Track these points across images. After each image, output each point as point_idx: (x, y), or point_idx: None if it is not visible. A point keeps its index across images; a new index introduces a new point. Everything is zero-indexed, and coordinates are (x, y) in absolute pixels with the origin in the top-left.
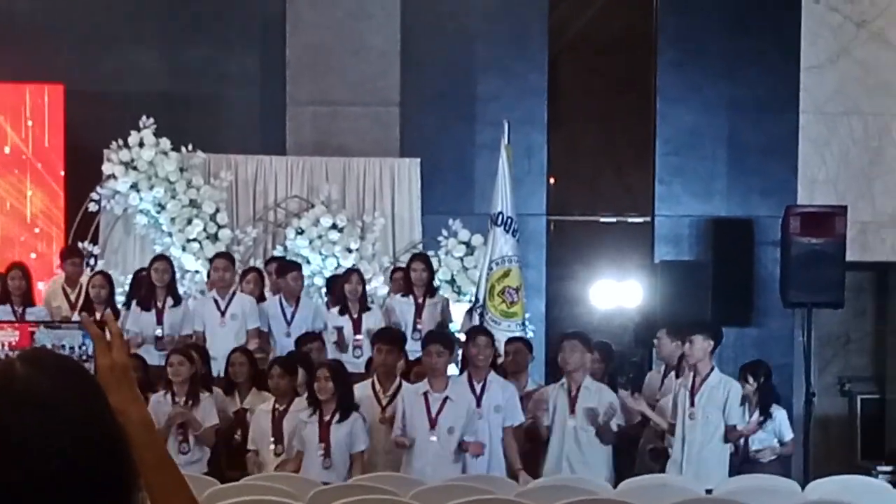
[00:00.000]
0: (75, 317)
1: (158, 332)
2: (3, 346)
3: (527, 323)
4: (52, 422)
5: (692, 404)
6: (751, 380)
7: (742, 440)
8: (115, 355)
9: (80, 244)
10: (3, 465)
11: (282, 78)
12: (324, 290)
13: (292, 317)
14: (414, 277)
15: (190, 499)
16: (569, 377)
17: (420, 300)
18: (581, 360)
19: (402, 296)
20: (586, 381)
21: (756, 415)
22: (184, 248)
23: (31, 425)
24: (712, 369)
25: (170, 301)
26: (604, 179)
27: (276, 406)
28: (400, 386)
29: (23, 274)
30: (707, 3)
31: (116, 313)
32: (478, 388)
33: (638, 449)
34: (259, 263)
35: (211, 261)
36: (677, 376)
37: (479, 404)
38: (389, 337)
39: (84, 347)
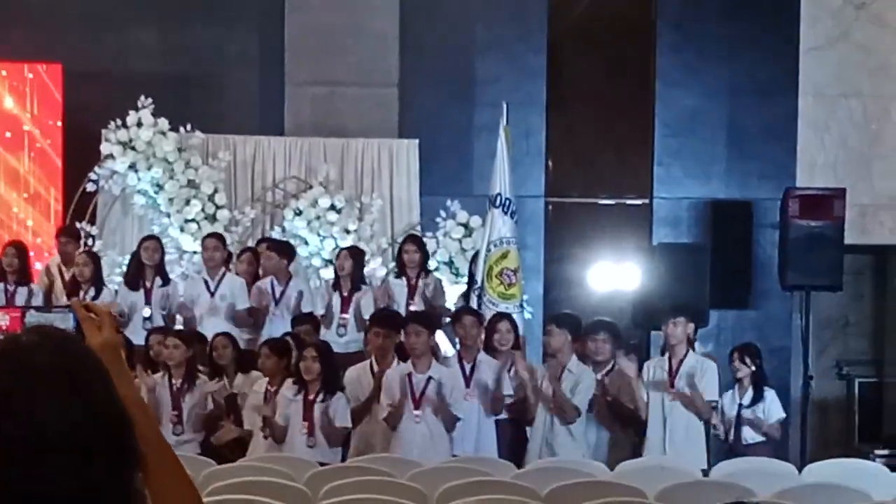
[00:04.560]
0: (64, 299)
1: (146, 311)
2: None
3: (524, 305)
4: (52, 391)
5: (672, 386)
6: (748, 361)
7: (732, 429)
8: (105, 334)
9: (78, 224)
10: (3, 434)
11: (280, 58)
12: (321, 271)
13: (281, 296)
14: (406, 259)
15: (183, 476)
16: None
17: (413, 282)
18: (562, 342)
19: (396, 277)
20: (571, 363)
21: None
22: (182, 229)
23: (31, 393)
24: (688, 351)
25: (158, 281)
26: (602, 161)
27: (269, 388)
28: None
29: (17, 252)
30: None
31: (99, 292)
32: (468, 369)
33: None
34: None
35: (202, 241)
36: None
37: (468, 384)
38: (386, 320)
39: (77, 331)
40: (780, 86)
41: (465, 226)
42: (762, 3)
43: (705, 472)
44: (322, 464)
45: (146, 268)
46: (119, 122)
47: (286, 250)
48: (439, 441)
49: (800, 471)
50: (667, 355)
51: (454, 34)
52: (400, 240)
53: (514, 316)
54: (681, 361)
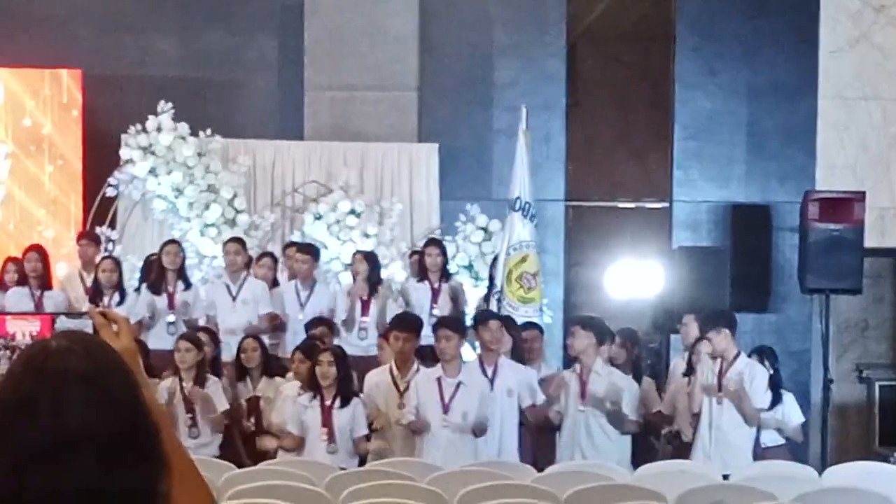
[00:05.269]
0: (87, 305)
1: (170, 316)
2: (24, 335)
3: (544, 309)
4: (78, 394)
5: (720, 389)
6: (766, 364)
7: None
8: (123, 342)
9: (98, 229)
10: (34, 438)
11: (300, 63)
12: (340, 275)
13: (306, 300)
14: (429, 262)
15: (199, 481)
16: (579, 362)
17: (436, 285)
18: (587, 344)
19: (418, 281)
20: (597, 365)
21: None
22: (202, 234)
23: (58, 397)
24: (738, 353)
25: (181, 285)
26: (622, 165)
27: (301, 392)
28: (418, 371)
29: (40, 257)
30: None
31: (123, 298)
32: (489, 373)
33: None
34: (275, 248)
35: (223, 246)
36: (689, 364)
37: (490, 388)
38: (407, 324)
39: None
40: (799, 88)
41: (485, 230)
42: (782, 5)
43: (725, 477)
44: (342, 468)
45: (168, 272)
46: (139, 126)
47: (315, 252)
48: (464, 446)
49: (820, 474)
50: (718, 360)
51: (473, 38)
52: (420, 244)
53: (535, 319)
54: (730, 365)
